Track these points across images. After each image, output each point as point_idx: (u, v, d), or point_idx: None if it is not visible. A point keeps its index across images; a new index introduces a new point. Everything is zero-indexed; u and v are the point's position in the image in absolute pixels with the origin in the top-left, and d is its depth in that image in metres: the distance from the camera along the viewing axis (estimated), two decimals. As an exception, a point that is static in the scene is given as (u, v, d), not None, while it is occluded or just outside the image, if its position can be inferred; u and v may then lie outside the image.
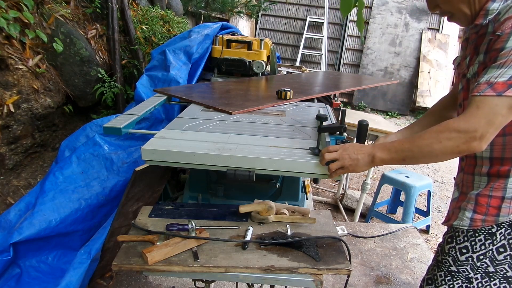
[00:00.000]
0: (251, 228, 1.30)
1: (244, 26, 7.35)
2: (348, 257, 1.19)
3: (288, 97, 2.04)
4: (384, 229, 2.94)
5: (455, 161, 1.28)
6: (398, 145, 1.11)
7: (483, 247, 1.18)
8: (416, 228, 2.99)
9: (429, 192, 3.35)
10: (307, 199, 1.98)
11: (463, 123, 1.01)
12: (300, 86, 2.54)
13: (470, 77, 1.15)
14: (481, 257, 1.19)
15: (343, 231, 2.81)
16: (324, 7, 8.24)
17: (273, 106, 1.97)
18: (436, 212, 3.85)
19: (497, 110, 0.98)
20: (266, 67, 2.91)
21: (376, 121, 3.36)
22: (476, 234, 1.19)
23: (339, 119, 1.53)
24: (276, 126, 1.63)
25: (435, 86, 7.61)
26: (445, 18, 1.21)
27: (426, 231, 3.46)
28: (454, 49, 7.92)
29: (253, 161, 1.23)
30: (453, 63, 1.36)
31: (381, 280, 2.39)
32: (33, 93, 2.49)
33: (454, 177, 1.37)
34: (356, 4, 1.61)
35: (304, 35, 8.23)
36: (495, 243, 1.17)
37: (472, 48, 1.17)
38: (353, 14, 7.74)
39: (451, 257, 1.25)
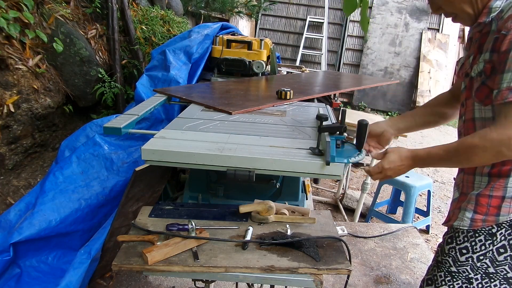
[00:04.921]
0: (251, 228, 1.30)
1: (244, 26, 7.35)
2: (348, 257, 1.19)
3: (288, 97, 2.04)
4: (384, 229, 2.94)
5: (455, 161, 1.28)
6: (436, 158, 1.17)
7: (483, 247, 1.18)
8: (416, 228, 2.99)
9: (429, 192, 3.35)
10: (307, 199, 1.98)
11: (495, 134, 1.04)
12: (300, 86, 2.54)
13: (474, 75, 1.15)
14: (481, 257, 1.19)
15: (343, 231, 2.80)
16: (324, 7, 8.23)
17: (273, 106, 1.97)
18: (436, 212, 3.85)
19: None
20: (266, 67, 2.91)
21: (376, 121, 3.36)
22: (476, 235, 1.18)
23: (339, 119, 1.53)
24: (276, 126, 1.63)
25: (435, 86, 7.61)
26: (445, 18, 1.22)
27: (426, 231, 3.46)
28: (454, 49, 7.92)
29: (253, 161, 1.23)
30: (457, 65, 1.37)
31: (381, 280, 2.39)
32: (33, 93, 2.49)
33: (454, 178, 1.37)
34: (360, 4, 1.60)
35: (304, 35, 8.22)
36: (495, 244, 1.17)
37: (475, 47, 1.17)
38: (353, 14, 7.73)
39: (451, 258, 1.25)
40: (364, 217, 3.54)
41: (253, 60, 2.82)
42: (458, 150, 1.12)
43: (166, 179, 2.31)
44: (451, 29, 7.82)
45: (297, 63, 7.87)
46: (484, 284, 1.21)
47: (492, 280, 1.20)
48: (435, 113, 1.48)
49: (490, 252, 1.18)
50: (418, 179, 3.25)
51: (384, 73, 8.09)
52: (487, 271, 1.20)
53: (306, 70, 3.75)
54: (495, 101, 1.05)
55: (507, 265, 1.18)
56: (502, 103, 1.03)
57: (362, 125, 1.31)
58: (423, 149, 1.22)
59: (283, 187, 1.79)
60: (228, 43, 2.88)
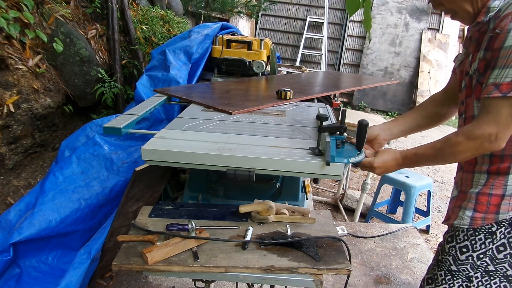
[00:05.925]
0: (251, 228, 1.30)
1: (244, 26, 7.35)
2: (348, 257, 1.19)
3: (288, 97, 2.04)
4: (384, 229, 2.94)
5: (455, 161, 1.28)
6: (423, 157, 1.22)
7: (483, 246, 1.18)
8: (416, 228, 2.99)
9: (429, 192, 3.35)
10: (307, 199, 1.98)
11: (477, 130, 1.08)
12: (300, 86, 2.54)
13: (471, 73, 1.17)
14: (481, 256, 1.19)
15: (343, 231, 2.80)
16: (324, 7, 8.24)
17: (273, 106, 1.97)
18: (436, 212, 3.85)
19: (504, 111, 1.03)
20: (266, 67, 2.91)
21: (376, 121, 3.36)
22: (476, 233, 1.19)
23: (339, 119, 1.53)
24: (276, 126, 1.63)
25: (435, 86, 7.61)
26: (445, 18, 1.23)
27: (426, 231, 3.46)
28: (454, 49, 7.91)
29: (253, 161, 1.23)
30: (454, 61, 1.37)
31: (381, 280, 2.39)
32: (33, 93, 2.49)
33: (454, 177, 1.38)
34: (363, 4, 1.60)
35: (304, 35, 8.22)
36: (495, 242, 1.17)
37: (474, 46, 1.18)
38: (353, 14, 7.73)
39: (451, 257, 1.25)
40: (364, 217, 3.54)
41: (253, 60, 2.82)
42: (443, 149, 1.16)
43: (166, 179, 2.31)
44: (451, 29, 7.82)
45: (297, 63, 7.86)
46: (484, 282, 1.21)
47: (492, 278, 1.21)
48: (428, 115, 1.48)
49: (490, 250, 1.18)
50: (418, 179, 3.25)
51: (384, 73, 8.09)
52: (487, 269, 1.20)
53: (306, 70, 3.75)
54: (480, 95, 1.08)
55: (507, 263, 1.18)
56: (486, 97, 1.05)
57: (362, 125, 1.31)
58: (411, 150, 1.26)
59: (283, 187, 1.79)
60: (228, 43, 2.88)
